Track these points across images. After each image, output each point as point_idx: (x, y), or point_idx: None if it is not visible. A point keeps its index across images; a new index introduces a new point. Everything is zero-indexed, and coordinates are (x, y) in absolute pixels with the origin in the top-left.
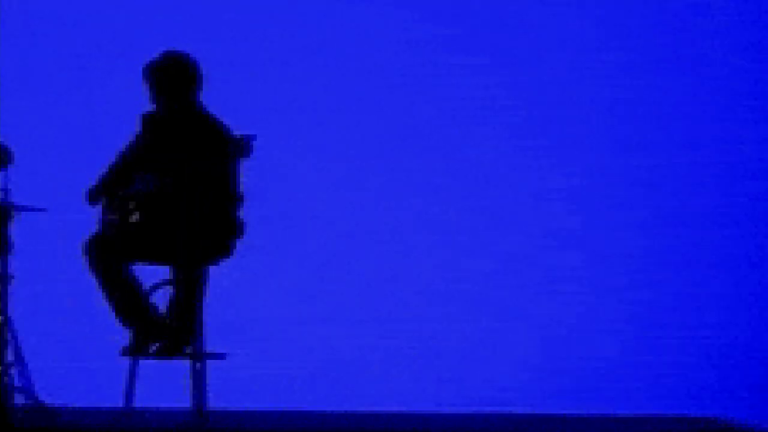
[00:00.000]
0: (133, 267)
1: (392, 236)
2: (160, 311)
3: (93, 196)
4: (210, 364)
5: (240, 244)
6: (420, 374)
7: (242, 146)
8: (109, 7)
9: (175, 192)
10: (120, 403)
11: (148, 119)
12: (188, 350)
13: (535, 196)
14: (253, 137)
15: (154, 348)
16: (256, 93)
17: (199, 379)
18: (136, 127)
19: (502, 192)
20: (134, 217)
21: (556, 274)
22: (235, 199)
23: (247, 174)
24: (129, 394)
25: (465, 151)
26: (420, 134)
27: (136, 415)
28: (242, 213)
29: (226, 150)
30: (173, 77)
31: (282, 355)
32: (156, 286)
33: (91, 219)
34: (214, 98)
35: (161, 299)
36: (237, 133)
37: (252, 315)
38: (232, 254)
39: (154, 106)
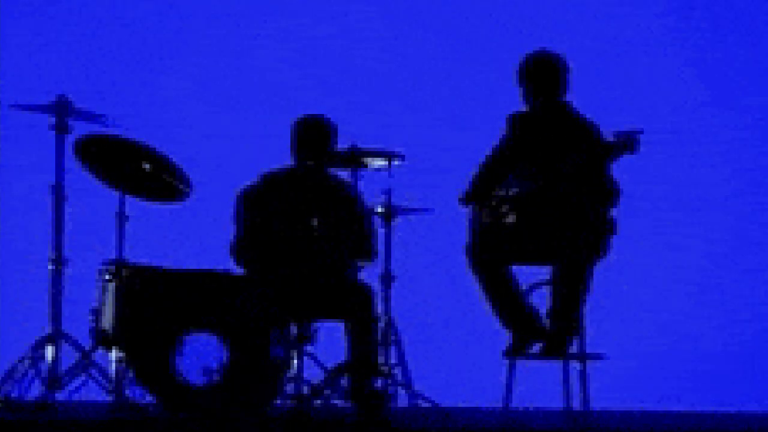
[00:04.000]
0: (512, 268)
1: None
2: (539, 312)
3: (469, 199)
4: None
5: (614, 243)
6: None
7: (630, 142)
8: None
9: (551, 192)
10: (498, 403)
11: (518, 119)
12: (569, 351)
13: None
14: (640, 132)
15: (535, 349)
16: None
17: (581, 380)
18: (506, 127)
19: None
20: (510, 219)
21: None
22: (610, 197)
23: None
24: (507, 394)
25: None
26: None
27: (513, 414)
28: (615, 211)
29: (598, 150)
30: (549, 77)
31: (656, 355)
32: (534, 286)
33: (469, 221)
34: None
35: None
36: (624, 128)
37: (625, 315)
38: (607, 253)
39: (527, 104)
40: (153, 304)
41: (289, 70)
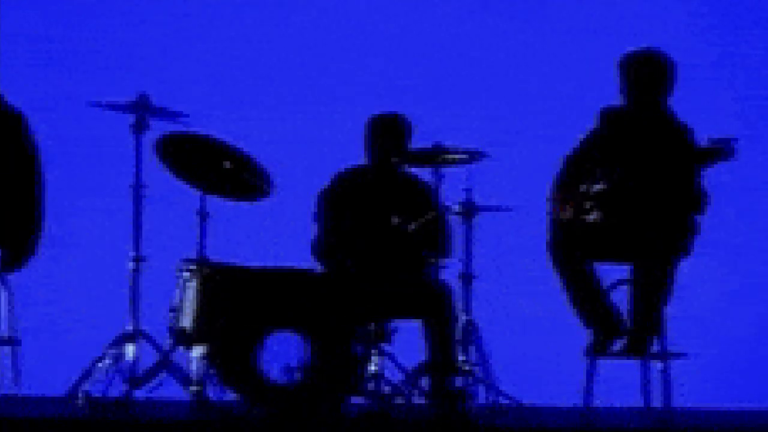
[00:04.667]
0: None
1: None
2: (620, 310)
3: (555, 193)
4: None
5: (697, 243)
6: None
7: (727, 148)
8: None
9: (637, 191)
10: (579, 402)
11: (609, 114)
12: (650, 350)
13: None
14: (734, 140)
15: (616, 347)
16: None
17: (662, 378)
18: (596, 122)
19: None
20: (593, 216)
21: None
22: (698, 204)
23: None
24: (587, 393)
25: None
26: None
27: (594, 412)
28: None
29: (686, 153)
30: (648, 75)
31: (738, 352)
32: (615, 285)
33: (550, 217)
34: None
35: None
36: (717, 135)
37: (704, 313)
38: (690, 253)
39: (624, 99)
40: (235, 302)
41: (372, 67)
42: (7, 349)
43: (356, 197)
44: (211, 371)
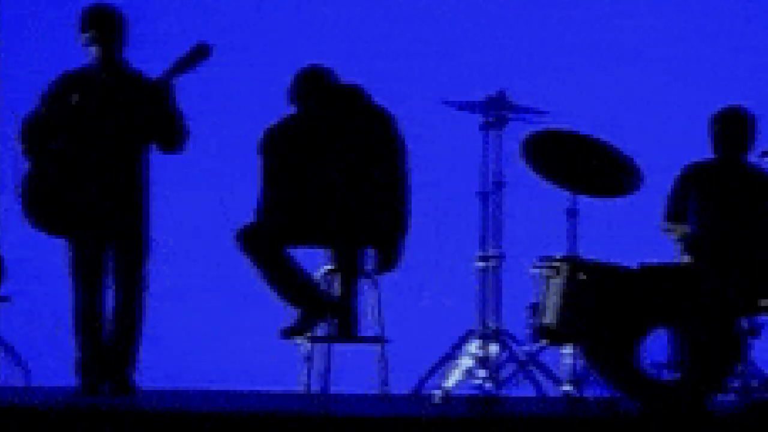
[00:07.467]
0: None
1: None
2: None
3: None
4: None
5: None
6: None
7: None
8: None
9: None
10: None
11: None
12: None
13: None
14: None
15: None
16: None
17: None
18: None
19: None
20: None
21: None
22: None
23: None
24: None
25: None
26: None
27: None
28: None
29: None
30: None
31: None
32: None
33: None
34: None
35: None
36: None
37: None
38: None
39: None
40: (613, 300)
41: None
42: (375, 347)
43: (707, 192)
44: (588, 368)
